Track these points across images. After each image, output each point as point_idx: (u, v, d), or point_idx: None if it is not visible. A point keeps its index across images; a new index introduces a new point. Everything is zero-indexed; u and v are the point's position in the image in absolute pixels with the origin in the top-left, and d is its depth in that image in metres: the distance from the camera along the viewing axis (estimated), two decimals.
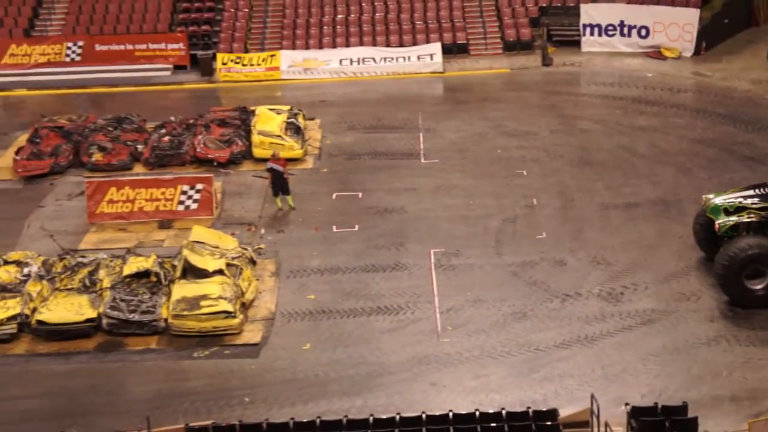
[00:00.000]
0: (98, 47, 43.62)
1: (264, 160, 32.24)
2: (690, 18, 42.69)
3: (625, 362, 23.18)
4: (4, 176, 34.15)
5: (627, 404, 19.47)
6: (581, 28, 43.71)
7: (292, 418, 19.49)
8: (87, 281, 26.08)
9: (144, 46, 43.63)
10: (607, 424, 18.64)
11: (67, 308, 25.13)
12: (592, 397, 19.61)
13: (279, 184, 30.79)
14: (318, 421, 19.30)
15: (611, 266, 27.29)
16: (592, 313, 25.19)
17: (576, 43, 43.98)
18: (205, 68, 42.99)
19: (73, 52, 43.61)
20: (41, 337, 24.92)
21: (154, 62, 43.53)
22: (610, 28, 43.48)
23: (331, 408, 21.82)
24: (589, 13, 43.59)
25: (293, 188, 31.08)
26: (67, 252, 28.18)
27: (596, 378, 22.61)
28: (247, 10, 45.16)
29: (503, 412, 19.35)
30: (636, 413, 18.94)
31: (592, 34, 43.70)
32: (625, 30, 43.40)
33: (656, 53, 43.10)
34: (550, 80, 41.67)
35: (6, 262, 26.77)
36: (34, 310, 25.19)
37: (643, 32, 43.24)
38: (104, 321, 24.98)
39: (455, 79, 42.31)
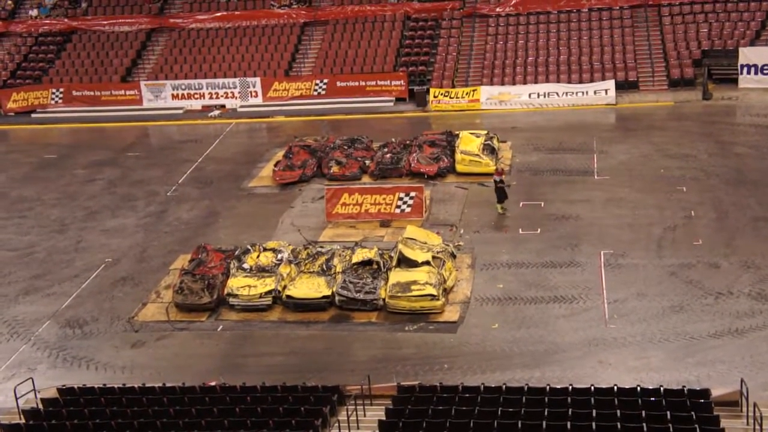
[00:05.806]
0: (338, 84, 44.76)
1: (465, 174, 32.26)
2: None
3: None
4: (266, 183, 35.37)
5: None
6: (739, 67, 41.10)
7: (482, 383, 19.32)
8: (324, 266, 26.62)
9: (373, 83, 44.42)
10: (755, 405, 17.35)
11: (309, 287, 25.80)
12: (742, 381, 18.34)
13: (501, 193, 30.67)
14: (504, 387, 19.03)
15: (761, 270, 25.51)
16: (742, 309, 23.64)
17: (734, 81, 41.34)
18: (420, 100, 43.30)
19: (320, 87, 45.01)
20: (289, 309, 25.68)
21: (380, 95, 44.20)
22: (766, 67, 40.73)
23: (514, 377, 21.49)
24: (746, 55, 41.03)
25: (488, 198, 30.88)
26: (310, 243, 28.95)
27: (745, 365, 21.19)
28: (455, 53, 45.20)
29: (661, 388, 18.42)
30: None
31: (749, 72, 41.02)
32: None
33: None
34: (709, 112, 39.40)
35: (265, 249, 27.66)
36: (285, 287, 25.99)
37: None
38: (337, 298, 25.50)
39: (626, 110, 40.76)
